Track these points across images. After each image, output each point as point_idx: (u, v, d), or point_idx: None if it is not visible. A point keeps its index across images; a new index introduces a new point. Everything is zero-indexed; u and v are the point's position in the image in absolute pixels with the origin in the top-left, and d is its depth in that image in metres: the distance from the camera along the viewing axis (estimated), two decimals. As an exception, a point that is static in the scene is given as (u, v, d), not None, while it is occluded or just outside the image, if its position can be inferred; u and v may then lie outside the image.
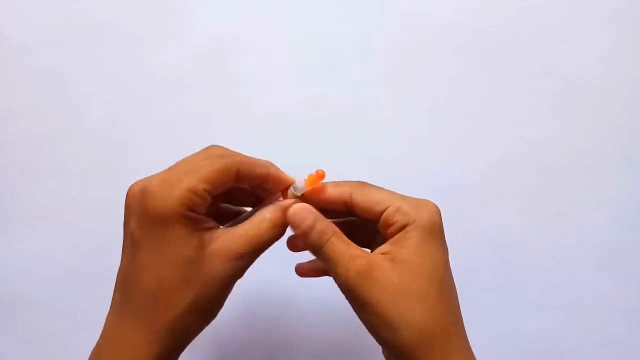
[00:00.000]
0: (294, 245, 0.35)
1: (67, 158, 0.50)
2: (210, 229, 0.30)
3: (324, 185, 0.32)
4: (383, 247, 0.31)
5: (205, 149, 0.32)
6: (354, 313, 0.31)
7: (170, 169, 0.30)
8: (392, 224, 0.31)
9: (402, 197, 0.32)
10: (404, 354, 0.29)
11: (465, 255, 0.49)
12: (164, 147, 0.50)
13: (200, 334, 0.32)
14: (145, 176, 0.30)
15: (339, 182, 0.33)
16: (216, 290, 0.30)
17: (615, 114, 0.50)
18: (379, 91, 0.50)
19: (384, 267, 0.30)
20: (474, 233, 0.50)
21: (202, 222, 0.30)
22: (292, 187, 0.33)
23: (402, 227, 0.31)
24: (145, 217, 0.28)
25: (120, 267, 0.31)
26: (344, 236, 0.31)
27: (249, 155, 0.32)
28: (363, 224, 0.34)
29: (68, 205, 0.50)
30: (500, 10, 0.49)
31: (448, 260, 0.32)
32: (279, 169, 0.33)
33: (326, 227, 0.31)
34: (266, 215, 0.31)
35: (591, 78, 0.49)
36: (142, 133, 0.50)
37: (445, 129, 0.50)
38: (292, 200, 0.33)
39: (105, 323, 0.31)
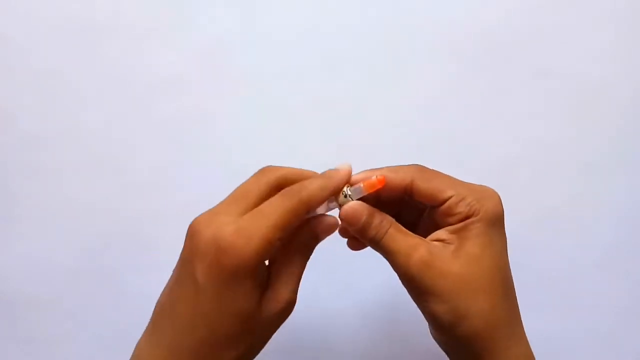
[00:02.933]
0: (352, 243, 0.34)
1: (67, 158, 0.50)
2: (265, 275, 0.30)
3: (383, 175, 0.32)
4: (441, 234, 0.31)
5: (262, 173, 0.31)
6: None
7: (237, 204, 0.29)
8: (455, 214, 0.31)
9: (466, 185, 0.32)
10: (468, 343, 0.30)
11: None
12: (164, 147, 0.50)
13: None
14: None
15: (395, 167, 0.32)
16: (268, 337, 0.31)
17: (615, 113, 0.50)
18: (378, 91, 0.50)
19: (445, 256, 0.30)
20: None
21: (264, 270, 0.30)
22: (346, 191, 0.31)
23: (465, 218, 0.30)
24: (216, 270, 0.27)
25: (167, 300, 0.30)
26: (400, 226, 0.31)
27: (298, 170, 0.32)
28: (409, 204, 0.34)
29: (68, 205, 0.50)
30: (500, 10, 0.49)
31: (507, 249, 0.32)
32: (336, 178, 0.32)
33: (383, 220, 0.31)
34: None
35: (591, 78, 0.49)
36: (142, 133, 0.50)
37: (445, 128, 0.50)
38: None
39: (138, 349, 0.30)
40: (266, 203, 0.29)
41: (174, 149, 0.50)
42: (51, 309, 0.50)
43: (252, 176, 0.32)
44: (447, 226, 0.31)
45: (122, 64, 0.49)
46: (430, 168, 0.33)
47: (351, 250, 0.35)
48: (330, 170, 0.32)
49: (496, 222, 0.31)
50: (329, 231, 0.32)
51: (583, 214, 0.50)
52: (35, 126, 0.50)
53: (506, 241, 0.32)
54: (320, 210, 0.32)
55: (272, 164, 0.32)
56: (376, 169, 0.33)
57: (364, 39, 0.49)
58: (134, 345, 0.31)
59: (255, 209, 0.29)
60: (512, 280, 0.32)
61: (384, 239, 0.31)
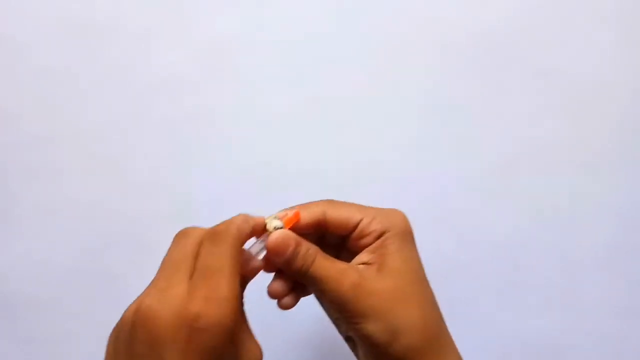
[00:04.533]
0: (273, 269, 0.33)
1: (67, 158, 0.50)
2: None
3: (297, 210, 0.32)
4: (362, 257, 0.32)
5: (176, 237, 0.29)
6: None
7: (174, 274, 0.26)
8: (368, 234, 0.32)
9: (372, 208, 0.33)
10: (404, 358, 0.30)
11: (465, 256, 0.49)
12: (164, 147, 0.50)
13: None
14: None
15: (304, 204, 0.33)
16: None
17: (615, 113, 0.50)
18: (378, 91, 0.50)
19: (372, 275, 0.31)
20: (474, 233, 0.50)
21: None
22: (268, 229, 0.31)
23: (379, 236, 0.31)
24: (194, 353, 0.24)
25: None
26: (325, 254, 0.31)
27: (213, 227, 0.29)
28: (327, 240, 0.34)
29: (68, 206, 0.50)
30: (500, 10, 0.49)
31: (422, 263, 0.33)
32: (250, 219, 0.30)
33: (309, 249, 0.31)
34: None
35: (591, 78, 0.49)
36: (142, 133, 0.50)
37: (445, 128, 0.50)
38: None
39: None
40: (203, 255, 0.26)
41: (174, 149, 0.50)
42: (51, 309, 0.50)
43: (172, 242, 0.29)
44: (364, 248, 0.32)
45: (122, 63, 0.49)
46: (338, 200, 0.33)
47: (280, 309, 0.33)
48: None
49: (408, 237, 0.32)
50: (254, 273, 0.31)
51: (583, 214, 0.50)
52: (35, 126, 0.50)
53: (420, 257, 0.33)
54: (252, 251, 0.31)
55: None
56: (288, 208, 0.33)
57: (364, 39, 0.49)
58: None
59: (197, 269, 0.26)
60: (433, 293, 0.33)
61: (312, 267, 0.30)
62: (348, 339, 0.35)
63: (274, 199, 0.50)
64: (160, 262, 0.28)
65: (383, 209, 0.33)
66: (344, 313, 0.31)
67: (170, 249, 0.29)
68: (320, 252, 0.31)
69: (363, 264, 0.32)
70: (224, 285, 0.25)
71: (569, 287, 0.50)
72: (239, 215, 0.30)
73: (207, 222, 0.51)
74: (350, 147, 0.50)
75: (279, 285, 0.33)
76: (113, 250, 0.50)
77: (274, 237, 0.30)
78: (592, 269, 0.50)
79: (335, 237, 0.33)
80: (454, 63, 0.49)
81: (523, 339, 0.50)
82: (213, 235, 0.28)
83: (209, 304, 0.24)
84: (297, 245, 0.31)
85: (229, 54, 0.49)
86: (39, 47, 0.49)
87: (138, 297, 0.27)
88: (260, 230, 0.31)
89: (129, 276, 0.50)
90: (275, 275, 0.33)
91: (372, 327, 0.30)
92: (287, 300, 0.33)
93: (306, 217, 0.32)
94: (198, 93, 0.49)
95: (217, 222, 0.30)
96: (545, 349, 0.50)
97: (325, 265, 0.31)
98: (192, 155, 0.50)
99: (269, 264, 0.32)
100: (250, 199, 0.49)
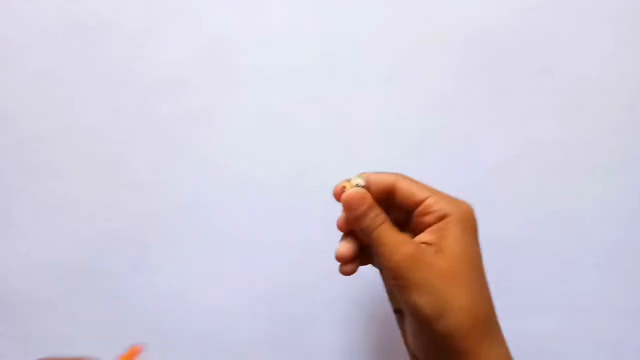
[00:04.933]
0: (342, 226, 0.36)
1: (66, 158, 0.50)
2: None
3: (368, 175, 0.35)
4: (422, 236, 0.34)
5: None
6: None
7: None
8: (430, 212, 0.33)
9: (441, 192, 0.35)
10: (449, 340, 0.31)
11: (465, 255, 0.49)
12: (164, 147, 0.50)
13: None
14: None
15: (376, 172, 0.36)
16: None
17: (616, 114, 0.50)
18: (378, 91, 0.50)
19: (429, 252, 0.32)
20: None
21: None
22: (355, 182, 0.35)
23: (441, 218, 0.33)
24: None
25: None
26: (392, 223, 0.34)
27: None
28: (394, 210, 0.36)
29: (68, 205, 0.50)
30: (501, 10, 0.49)
31: (481, 252, 0.34)
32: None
33: (378, 215, 0.33)
34: None
35: (592, 78, 0.49)
36: (142, 133, 0.50)
37: (446, 129, 0.50)
38: None
39: None
40: None
41: (174, 149, 0.50)
42: (51, 309, 0.50)
43: None
44: (426, 227, 0.34)
45: (121, 63, 0.49)
46: (409, 177, 0.36)
47: (342, 275, 0.36)
48: None
49: (470, 225, 0.34)
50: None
51: (583, 214, 0.50)
52: (35, 126, 0.50)
53: (479, 247, 0.34)
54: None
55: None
56: (359, 173, 0.36)
57: (365, 39, 0.49)
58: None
59: None
60: (487, 281, 0.34)
61: (377, 230, 0.33)
62: (397, 311, 0.37)
63: (274, 199, 0.50)
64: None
65: (451, 196, 0.35)
66: (397, 280, 0.32)
67: None
68: (388, 221, 0.34)
69: (423, 243, 0.33)
70: None
71: (569, 287, 0.50)
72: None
73: (207, 222, 0.52)
74: (351, 148, 0.49)
75: (346, 249, 0.36)
76: (113, 250, 0.50)
77: (352, 192, 0.34)
78: (592, 269, 0.50)
79: (402, 211, 0.35)
80: (454, 63, 0.49)
81: (522, 340, 0.50)
82: None
83: None
84: (370, 206, 0.33)
85: (229, 54, 0.49)
86: (39, 47, 0.49)
87: None
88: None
89: (128, 276, 0.50)
90: (343, 236, 0.36)
91: (422, 300, 0.31)
92: (349, 266, 0.36)
93: (378, 182, 0.35)
94: (198, 93, 0.49)
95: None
96: (544, 349, 0.50)
97: (388, 232, 0.33)
98: (191, 155, 0.50)
99: (342, 222, 0.36)
100: (250, 199, 0.49)
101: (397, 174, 0.36)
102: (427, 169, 0.50)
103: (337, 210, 0.36)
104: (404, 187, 0.35)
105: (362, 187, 0.34)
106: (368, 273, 0.38)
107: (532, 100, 0.50)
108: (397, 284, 0.32)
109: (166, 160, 0.50)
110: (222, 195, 0.50)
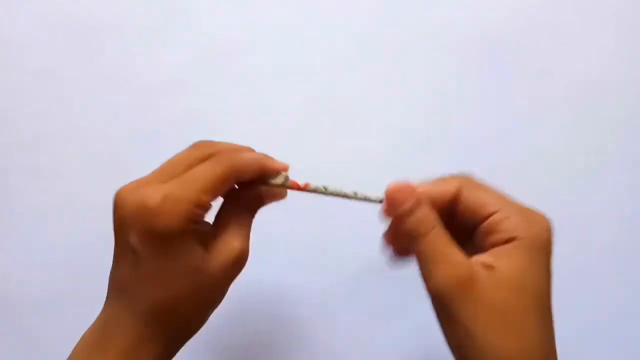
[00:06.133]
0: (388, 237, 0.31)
1: (66, 158, 0.50)
2: (207, 230, 0.31)
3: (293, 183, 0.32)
4: (483, 257, 0.27)
5: (193, 146, 0.31)
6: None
7: (163, 173, 0.29)
8: (496, 232, 0.27)
9: (514, 204, 0.29)
10: None
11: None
12: (164, 147, 0.49)
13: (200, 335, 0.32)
14: (145, 173, 0.30)
15: (443, 177, 0.30)
16: (224, 287, 0.31)
17: (615, 114, 0.50)
18: (378, 91, 0.50)
19: (485, 283, 0.26)
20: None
21: (203, 226, 0.30)
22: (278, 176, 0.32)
23: (508, 240, 0.27)
24: (149, 235, 0.28)
25: (116, 274, 0.31)
26: (446, 232, 0.28)
27: (233, 145, 0.32)
28: (453, 223, 0.30)
29: (68, 205, 0.50)
30: (501, 11, 0.49)
31: (551, 285, 0.29)
32: (269, 158, 0.32)
33: (428, 216, 0.27)
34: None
35: (592, 78, 0.49)
36: (142, 133, 0.50)
37: (445, 129, 0.50)
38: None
39: (100, 320, 0.31)
40: (195, 168, 0.29)
41: (174, 149, 0.50)
42: (51, 309, 0.50)
43: (184, 150, 0.31)
44: (489, 247, 0.28)
45: (121, 63, 0.49)
46: (478, 180, 0.30)
47: (393, 260, 0.31)
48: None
49: (544, 250, 0.28)
50: (274, 198, 0.33)
51: (583, 214, 0.50)
52: (35, 126, 0.50)
53: (551, 276, 0.28)
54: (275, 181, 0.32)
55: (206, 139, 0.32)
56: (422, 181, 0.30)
57: (365, 39, 0.49)
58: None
59: (184, 174, 0.29)
60: (552, 320, 0.29)
61: (425, 240, 0.27)
62: None
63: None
64: None
65: (525, 208, 0.29)
66: (435, 308, 0.27)
67: (180, 153, 0.31)
68: (441, 227, 0.27)
69: (483, 264, 0.27)
70: (189, 193, 0.28)
71: (569, 287, 0.50)
72: (257, 152, 0.31)
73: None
74: (351, 148, 0.49)
75: (390, 237, 0.31)
76: (113, 250, 0.50)
77: (397, 184, 0.28)
78: (592, 269, 0.50)
79: (464, 223, 0.29)
80: (453, 64, 0.49)
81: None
82: (217, 157, 0.29)
83: (166, 201, 0.27)
84: (419, 203, 0.27)
85: (229, 55, 0.49)
86: (39, 47, 0.49)
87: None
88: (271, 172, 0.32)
89: (128, 276, 0.50)
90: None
91: (459, 336, 0.26)
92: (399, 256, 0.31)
93: (437, 195, 0.28)
94: (198, 93, 0.49)
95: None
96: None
97: (439, 246, 0.27)
98: (192, 155, 0.50)
99: (387, 232, 0.31)
100: (250, 199, 0.49)
101: (463, 178, 0.29)
102: (427, 169, 0.50)
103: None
104: (469, 197, 0.28)
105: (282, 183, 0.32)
106: (368, 273, 0.38)
107: (531, 100, 0.50)
108: (436, 309, 0.27)
109: (166, 160, 0.50)
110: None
